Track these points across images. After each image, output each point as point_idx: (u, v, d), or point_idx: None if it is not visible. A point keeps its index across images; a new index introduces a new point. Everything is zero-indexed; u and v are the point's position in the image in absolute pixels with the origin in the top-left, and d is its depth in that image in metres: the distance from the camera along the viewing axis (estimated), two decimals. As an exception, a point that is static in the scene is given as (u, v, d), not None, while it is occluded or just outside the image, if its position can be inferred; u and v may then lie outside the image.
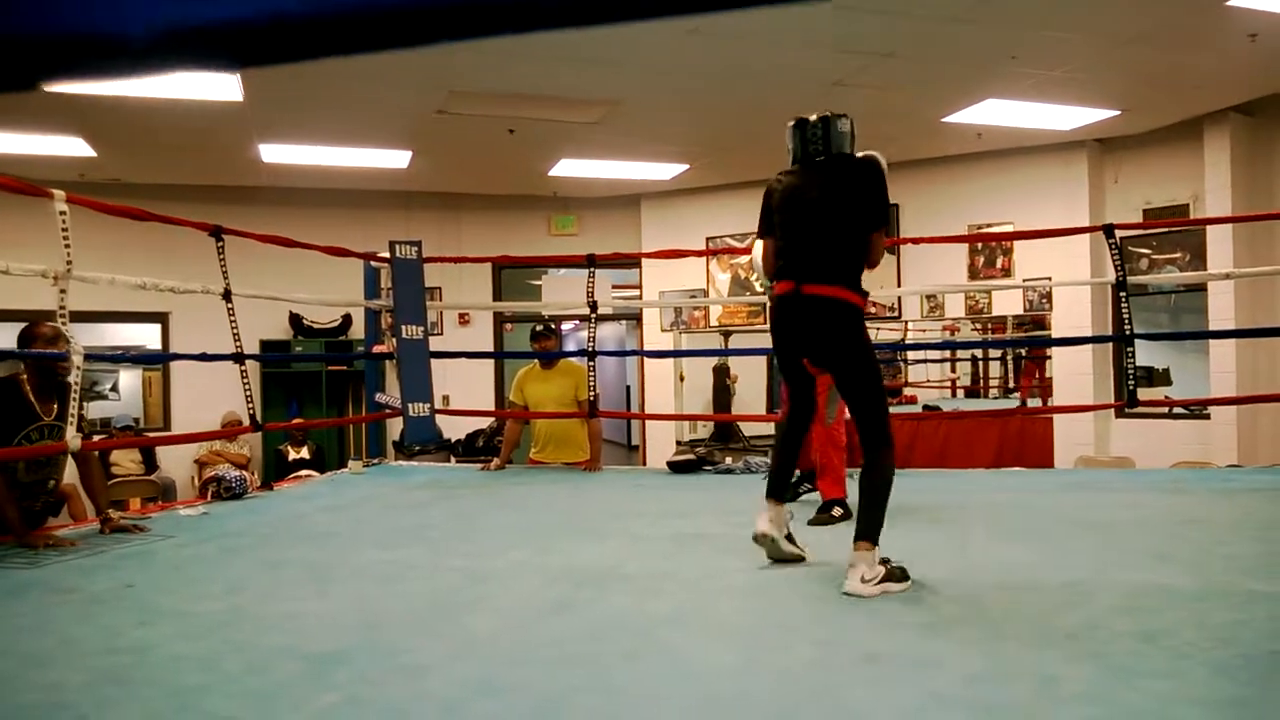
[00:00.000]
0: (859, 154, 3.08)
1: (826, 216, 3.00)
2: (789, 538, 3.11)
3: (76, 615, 2.60)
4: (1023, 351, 10.42)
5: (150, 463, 8.67)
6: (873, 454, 2.90)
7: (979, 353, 11.36)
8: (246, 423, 5.32)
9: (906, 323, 9.44)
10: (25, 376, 3.76)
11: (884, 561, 2.75)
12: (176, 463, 8.87)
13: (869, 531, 2.77)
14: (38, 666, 2.14)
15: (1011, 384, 10.94)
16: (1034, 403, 9.48)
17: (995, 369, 11.64)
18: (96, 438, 6.41)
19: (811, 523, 3.85)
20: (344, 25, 0.65)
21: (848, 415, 3.65)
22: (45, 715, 1.85)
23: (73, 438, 3.72)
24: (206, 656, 2.20)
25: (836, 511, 3.94)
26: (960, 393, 11.72)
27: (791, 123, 3.11)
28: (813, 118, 3.06)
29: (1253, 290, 7.14)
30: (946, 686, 1.91)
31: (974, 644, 2.19)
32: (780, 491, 3.15)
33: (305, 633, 2.40)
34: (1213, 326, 7.18)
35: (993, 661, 2.06)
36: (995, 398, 11.18)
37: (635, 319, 10.94)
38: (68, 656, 2.22)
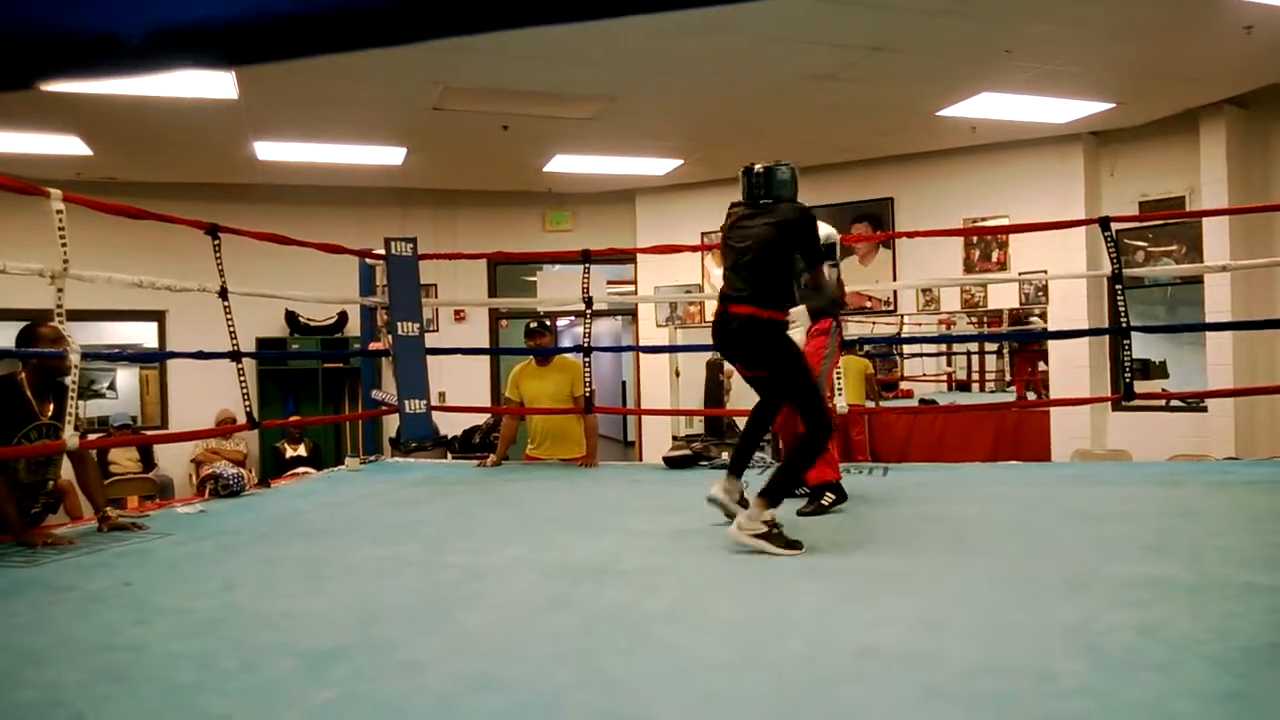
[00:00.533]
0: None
1: (754, 249, 3.48)
2: (742, 502, 3.57)
3: (74, 613, 2.60)
4: (1015, 346, 10.42)
5: (148, 461, 8.67)
6: (809, 431, 3.37)
7: (975, 346, 11.36)
8: (242, 420, 5.32)
9: (902, 316, 9.44)
10: (24, 376, 3.76)
11: (774, 525, 3.15)
12: (174, 461, 8.86)
13: (772, 491, 3.23)
14: (35, 664, 2.14)
15: (1008, 377, 10.94)
16: (1030, 397, 9.49)
17: (991, 362, 11.65)
18: (92, 436, 6.41)
19: (801, 513, 3.87)
20: (334, 23, 0.65)
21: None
22: (43, 713, 1.85)
23: (70, 436, 3.72)
24: (203, 654, 2.19)
25: (826, 499, 3.93)
26: (957, 386, 11.73)
27: (741, 170, 3.62)
28: (758, 167, 3.57)
29: (1249, 282, 7.15)
30: (943, 681, 1.91)
31: (970, 638, 2.20)
32: (738, 469, 3.67)
33: (301, 629, 2.40)
34: (1209, 319, 7.18)
35: (989, 655, 2.06)
36: (992, 391, 11.18)
37: (630, 314, 10.94)
38: (65, 654, 2.22)
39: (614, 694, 1.92)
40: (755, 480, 3.62)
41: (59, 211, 3.86)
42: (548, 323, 6.28)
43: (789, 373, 3.44)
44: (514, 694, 1.91)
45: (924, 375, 11.75)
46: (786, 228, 3.46)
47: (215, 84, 6.17)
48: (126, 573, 3.08)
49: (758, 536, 3.13)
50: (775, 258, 3.46)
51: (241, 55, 0.69)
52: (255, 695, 1.92)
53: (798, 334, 4.21)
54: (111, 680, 2.02)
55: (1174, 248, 7.66)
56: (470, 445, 8.73)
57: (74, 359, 3.75)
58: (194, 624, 2.49)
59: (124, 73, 0.69)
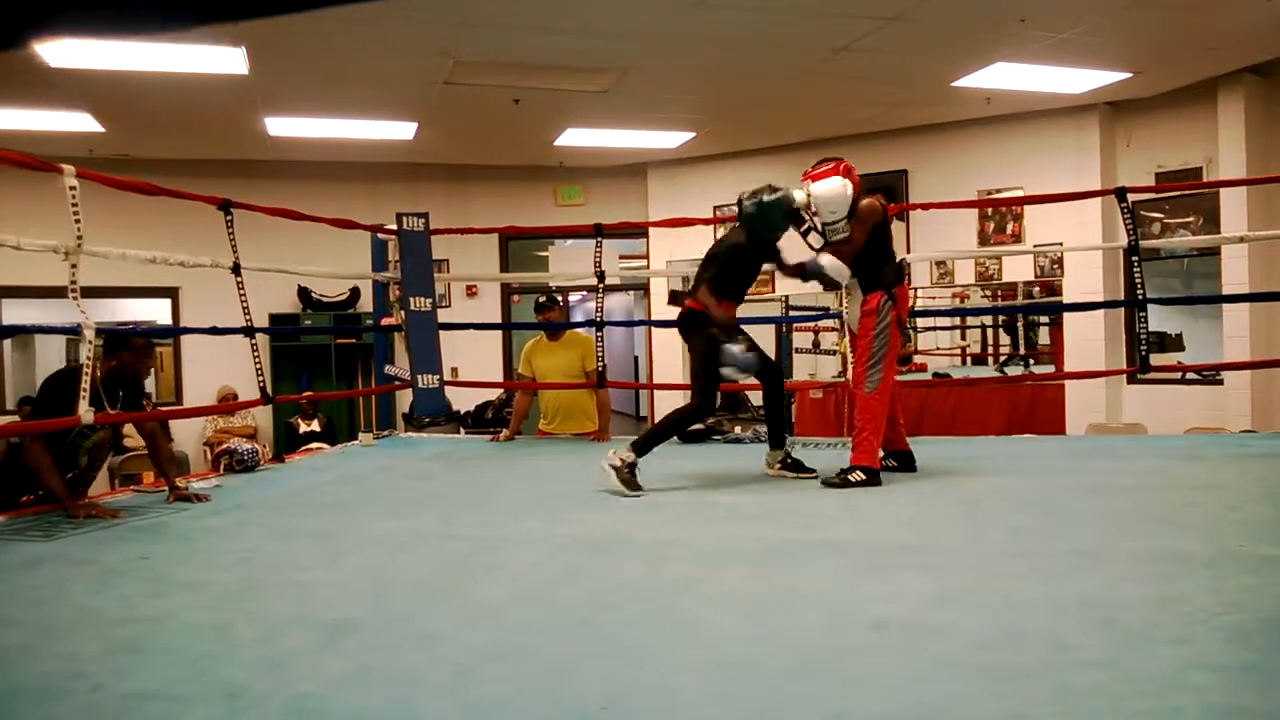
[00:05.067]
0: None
1: (705, 260, 4.32)
2: (787, 463, 4.19)
3: (93, 586, 2.62)
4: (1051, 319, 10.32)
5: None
6: (690, 403, 4.18)
7: (989, 320, 11.29)
8: (245, 396, 5.34)
9: (916, 289, 9.38)
10: (94, 369, 3.76)
11: (629, 466, 3.82)
12: (189, 436, 8.92)
13: (641, 443, 3.99)
14: (55, 636, 2.17)
15: (1023, 350, 10.87)
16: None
17: (1006, 335, 11.56)
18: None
19: (825, 482, 3.92)
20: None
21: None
22: (62, 684, 1.86)
23: (85, 412, 3.72)
24: (220, 625, 2.21)
25: (854, 476, 3.92)
26: (987, 359, 11.63)
27: None
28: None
29: (1267, 253, 7.06)
30: (957, 653, 1.90)
31: (985, 611, 2.19)
32: (776, 441, 4.28)
33: (317, 601, 2.42)
34: (1226, 291, 7.10)
35: (1004, 628, 2.06)
36: (1005, 364, 11.11)
37: (643, 289, 10.91)
38: (84, 626, 2.24)
39: (627, 663, 1.92)
40: (805, 454, 3.62)
41: (72, 188, 3.85)
42: (558, 297, 6.27)
43: (700, 359, 4.16)
44: (528, 664, 1.92)
45: (938, 349, 11.68)
46: (722, 245, 4.32)
47: (227, 59, 6.15)
48: (144, 546, 3.10)
49: (612, 467, 3.82)
50: (713, 264, 4.25)
51: (246, 9, 0.68)
52: (272, 666, 1.93)
53: (852, 309, 4.20)
54: (130, 651, 2.04)
55: (1191, 219, 7.57)
56: (483, 420, 8.73)
57: (88, 334, 3.77)
58: (211, 596, 2.52)
59: (126, 30, 0.68)
